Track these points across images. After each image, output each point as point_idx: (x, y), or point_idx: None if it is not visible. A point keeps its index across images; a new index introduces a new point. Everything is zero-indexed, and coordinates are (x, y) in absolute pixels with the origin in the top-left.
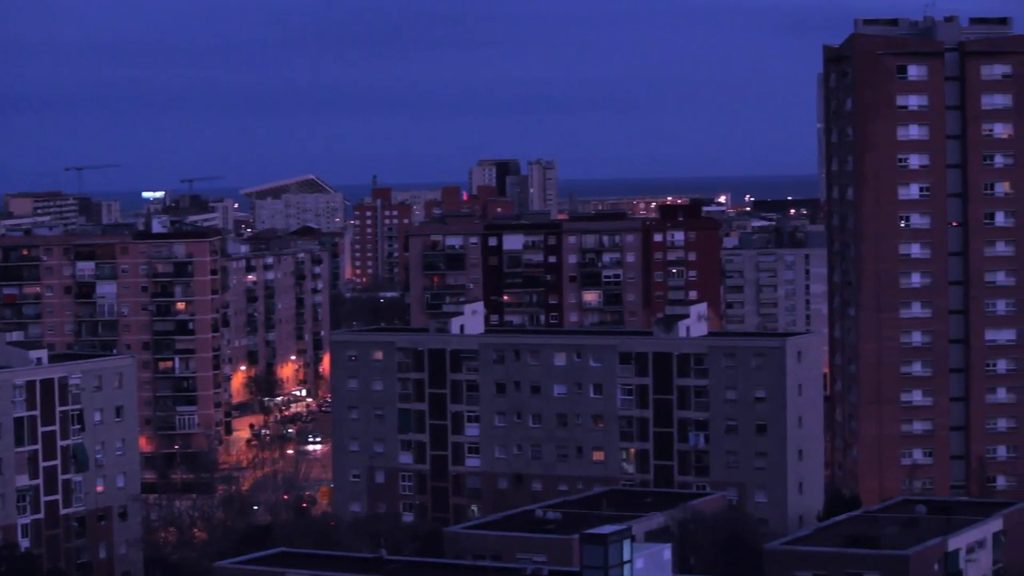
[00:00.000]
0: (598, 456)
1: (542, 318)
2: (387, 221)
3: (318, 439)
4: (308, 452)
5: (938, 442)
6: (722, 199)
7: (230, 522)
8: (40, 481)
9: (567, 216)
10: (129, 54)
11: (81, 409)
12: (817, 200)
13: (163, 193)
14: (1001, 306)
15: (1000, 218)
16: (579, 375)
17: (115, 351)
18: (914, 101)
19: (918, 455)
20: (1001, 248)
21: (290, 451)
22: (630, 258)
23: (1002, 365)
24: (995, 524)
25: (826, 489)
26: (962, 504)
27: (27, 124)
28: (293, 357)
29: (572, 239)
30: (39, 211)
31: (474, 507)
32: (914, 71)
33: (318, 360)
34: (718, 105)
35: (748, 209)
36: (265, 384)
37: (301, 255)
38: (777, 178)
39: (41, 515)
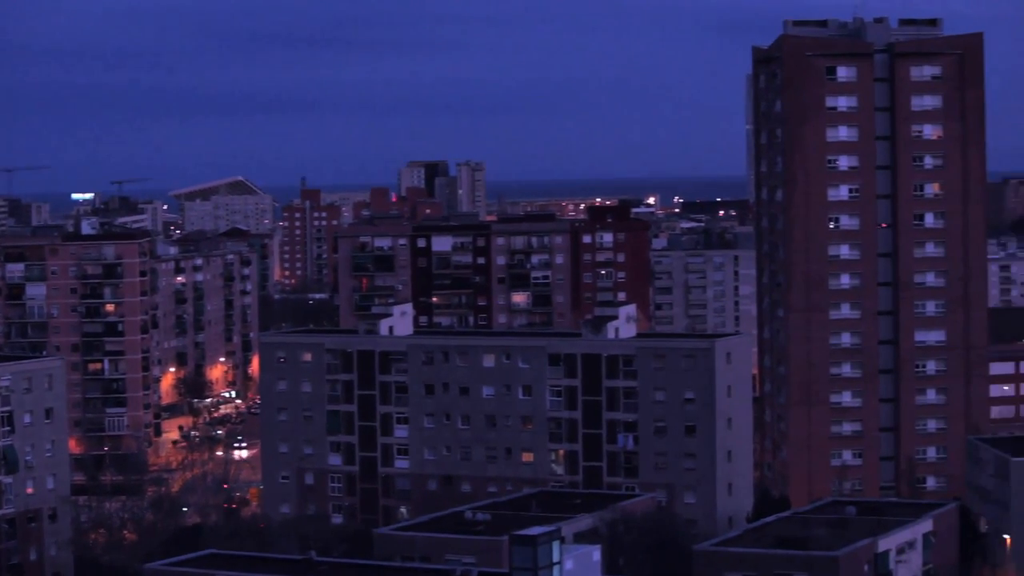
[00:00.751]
0: (527, 457)
1: (471, 319)
2: (316, 223)
3: (243, 444)
4: (233, 458)
5: (867, 443)
6: (651, 200)
7: (160, 524)
8: None
9: (496, 218)
10: (56, 57)
11: (11, 411)
12: (746, 201)
13: (93, 195)
14: (931, 307)
15: (929, 219)
16: (508, 376)
17: (44, 353)
18: (843, 102)
19: (848, 456)
20: (930, 249)
21: (219, 453)
22: (559, 259)
23: (931, 366)
24: (925, 525)
25: (755, 490)
26: (892, 505)
27: None
28: (222, 359)
29: (501, 240)
30: None
31: (403, 508)
32: (843, 72)
33: (247, 362)
34: (647, 106)
35: (677, 210)
36: (194, 386)
37: (230, 257)
38: (706, 179)
39: None
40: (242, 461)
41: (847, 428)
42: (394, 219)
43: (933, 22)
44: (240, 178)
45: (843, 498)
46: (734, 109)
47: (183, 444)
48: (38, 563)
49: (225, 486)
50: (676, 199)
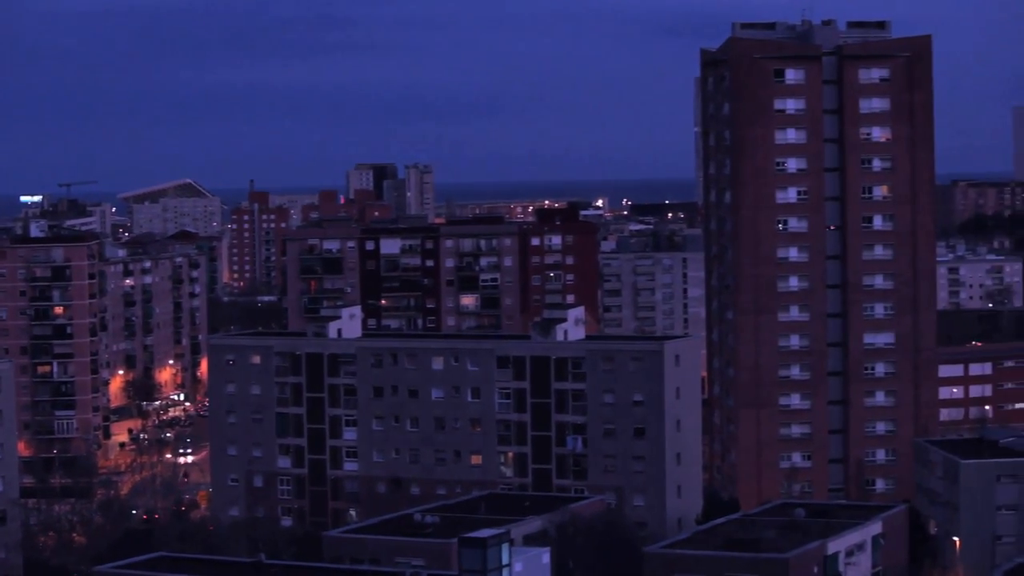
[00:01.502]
0: (476, 460)
1: (419, 322)
2: (264, 225)
3: (189, 451)
4: (179, 464)
5: (816, 445)
6: (600, 203)
7: (109, 526)
8: None
9: (444, 220)
10: (2, 59)
11: None
12: (695, 204)
13: (41, 197)
14: (879, 309)
15: (878, 221)
16: (457, 379)
17: None
18: (792, 105)
19: (797, 459)
20: (879, 252)
21: (168, 456)
22: (507, 262)
23: (880, 368)
24: (874, 527)
25: (704, 493)
26: (841, 507)
27: None
28: (171, 361)
29: (449, 243)
30: None
31: (352, 511)
32: (791, 75)
33: (196, 364)
34: (596, 109)
35: (626, 213)
36: (143, 388)
37: (179, 259)
38: (655, 182)
39: None
40: (191, 464)
41: (796, 431)
42: (342, 222)
43: (882, 24)
44: (188, 181)
45: (792, 500)
46: (683, 112)
47: (132, 447)
48: None
49: (181, 487)
50: (625, 201)
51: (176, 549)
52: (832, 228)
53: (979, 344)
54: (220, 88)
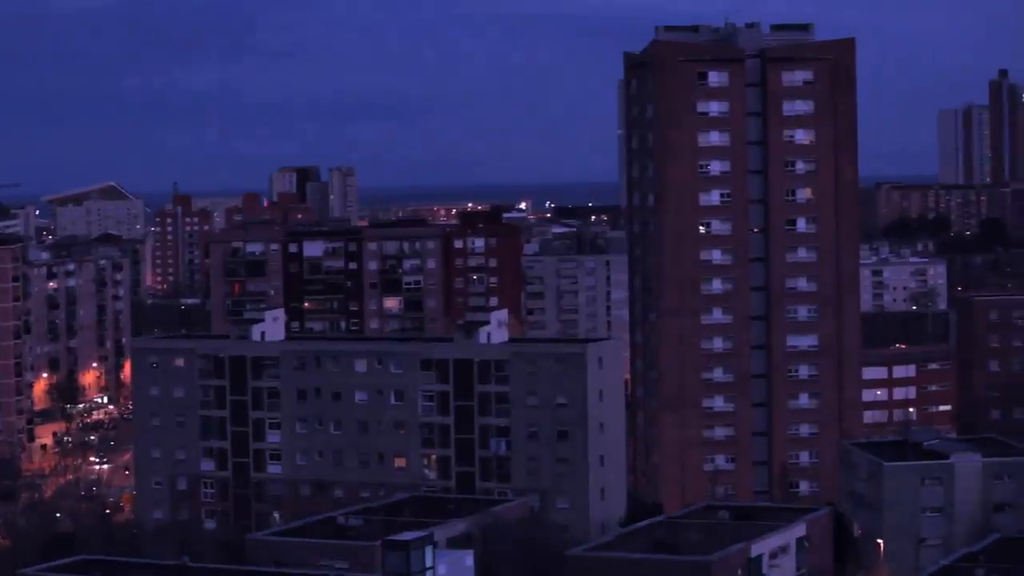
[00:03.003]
0: (400, 463)
1: (343, 325)
2: (188, 228)
3: (105, 460)
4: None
5: (740, 448)
6: (523, 205)
7: (33, 530)
8: None
9: (368, 223)
10: None
11: None
12: (618, 206)
13: None
14: (802, 312)
15: (801, 224)
16: (380, 382)
17: None
18: (715, 107)
19: (721, 461)
20: (802, 254)
21: (92, 459)
22: (431, 264)
23: (803, 371)
24: (798, 530)
25: (628, 495)
26: (765, 510)
27: None
28: (95, 364)
29: (373, 246)
30: None
31: (276, 514)
32: (715, 78)
33: (120, 367)
34: (519, 111)
35: (549, 216)
36: (67, 391)
37: (103, 262)
38: (578, 184)
39: None
40: (115, 467)
41: (720, 433)
42: (266, 224)
43: (805, 27)
44: (112, 183)
45: (716, 503)
46: (607, 114)
47: (56, 450)
48: None
49: (105, 489)
50: (548, 204)
51: (101, 552)
52: (755, 231)
53: (903, 346)
54: (143, 91)
